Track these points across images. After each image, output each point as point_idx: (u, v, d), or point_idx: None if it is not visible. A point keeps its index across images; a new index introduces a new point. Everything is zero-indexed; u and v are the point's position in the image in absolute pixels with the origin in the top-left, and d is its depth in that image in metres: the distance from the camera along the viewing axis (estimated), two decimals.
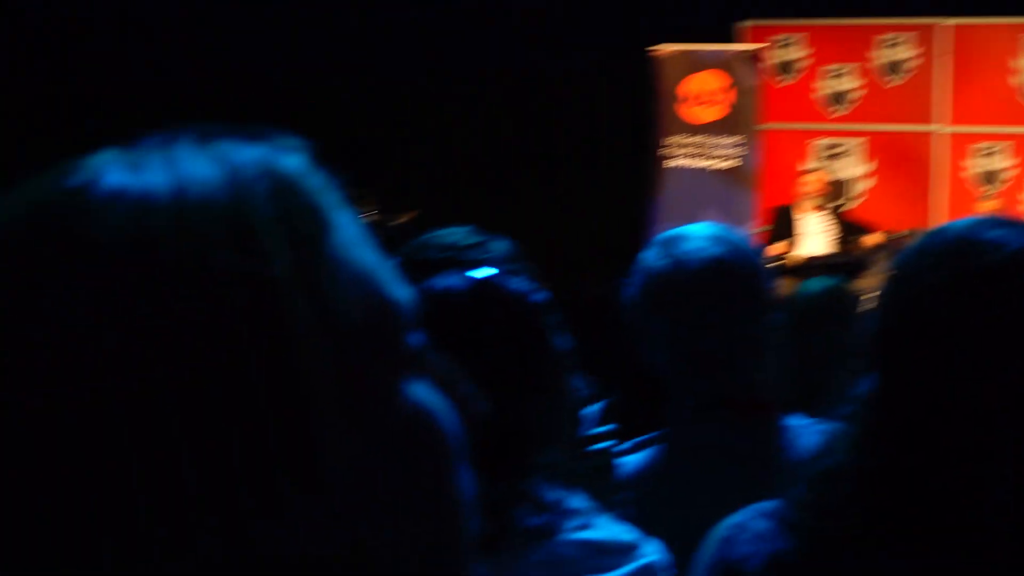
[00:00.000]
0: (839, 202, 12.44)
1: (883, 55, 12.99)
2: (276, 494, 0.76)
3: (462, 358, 1.00)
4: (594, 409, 2.28)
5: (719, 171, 11.90)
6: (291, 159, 0.86)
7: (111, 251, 0.77)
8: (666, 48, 11.70)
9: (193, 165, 0.82)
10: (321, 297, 0.80)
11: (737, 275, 2.66)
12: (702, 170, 11.88)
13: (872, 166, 13.01)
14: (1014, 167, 12.70)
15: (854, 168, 13.08)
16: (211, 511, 0.75)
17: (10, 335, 0.76)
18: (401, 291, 0.87)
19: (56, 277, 0.76)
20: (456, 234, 2.40)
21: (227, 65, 7.67)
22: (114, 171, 0.81)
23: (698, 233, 2.72)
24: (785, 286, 7.57)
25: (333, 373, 0.79)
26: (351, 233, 0.85)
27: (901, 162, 12.85)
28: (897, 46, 12.93)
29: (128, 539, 0.74)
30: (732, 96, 11.89)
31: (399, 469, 0.83)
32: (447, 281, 1.94)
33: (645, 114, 11.50)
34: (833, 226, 11.61)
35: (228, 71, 7.61)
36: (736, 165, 11.91)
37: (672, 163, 11.80)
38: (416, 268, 1.63)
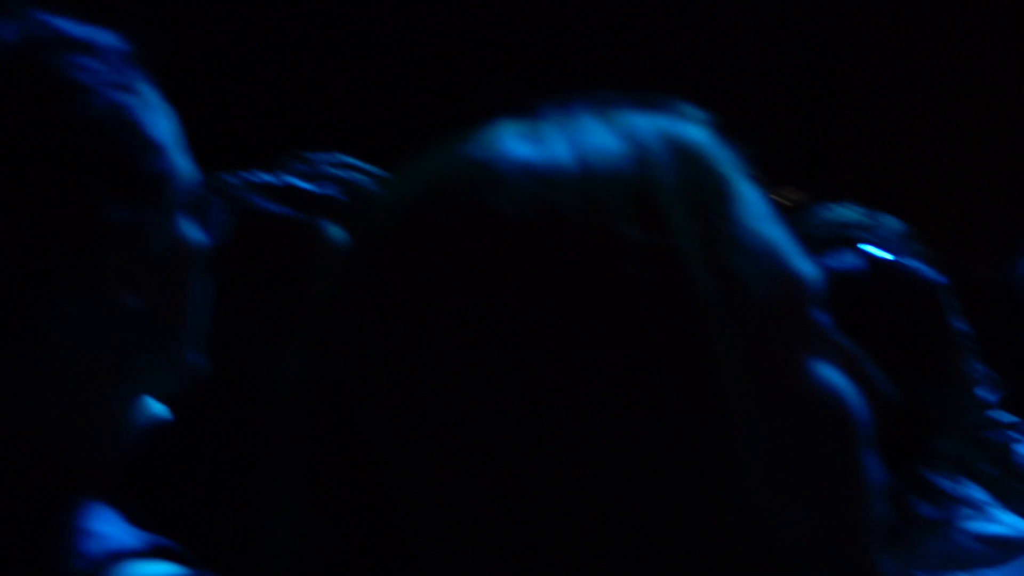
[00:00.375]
0: None
1: None
2: (671, 467, 0.75)
3: (857, 339, 0.96)
4: (991, 397, 2.19)
5: None
6: (694, 130, 0.84)
7: (517, 223, 0.76)
8: None
9: (595, 136, 0.80)
10: (726, 269, 0.78)
11: None
12: None
13: None
14: None
15: None
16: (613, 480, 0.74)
17: (425, 306, 0.76)
18: (806, 266, 0.84)
19: (462, 249, 0.77)
20: (846, 212, 2.34)
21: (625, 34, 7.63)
22: (516, 143, 0.80)
23: None
24: None
25: (739, 347, 0.76)
26: (756, 205, 0.83)
27: None
28: None
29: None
30: None
31: (806, 451, 0.80)
32: (840, 260, 1.89)
33: None
34: None
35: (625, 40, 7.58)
36: None
37: None
38: (806, 246, 1.59)
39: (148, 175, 1.25)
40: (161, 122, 1.29)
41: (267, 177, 1.89)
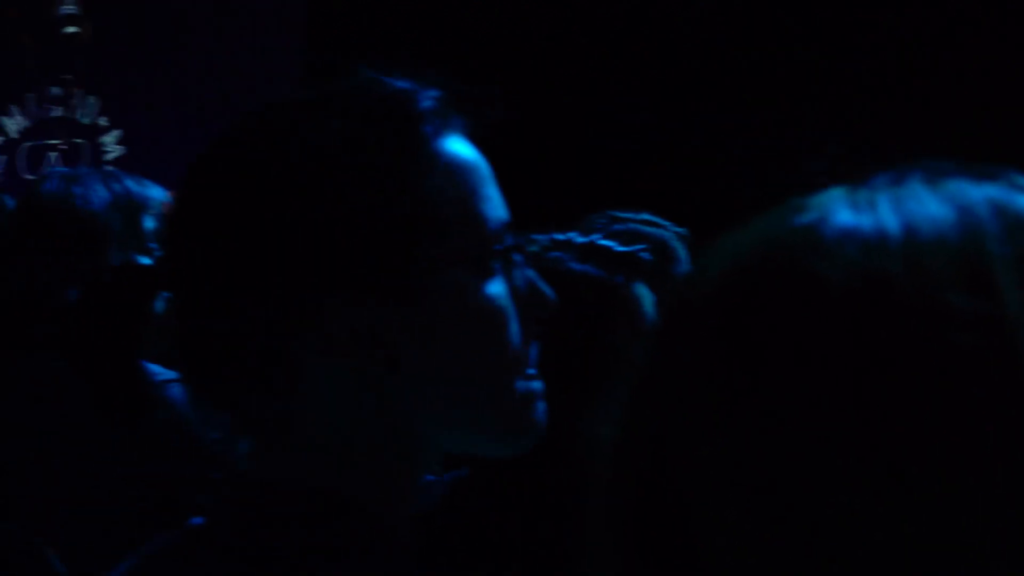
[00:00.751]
0: None
1: None
2: (999, 540, 0.72)
3: None
4: None
5: None
6: None
7: (842, 289, 0.75)
8: None
9: (923, 204, 0.80)
10: None
11: None
12: None
13: None
14: None
15: None
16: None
17: (748, 372, 0.76)
18: None
19: (786, 314, 0.76)
20: None
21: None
22: (843, 210, 0.80)
23: None
24: None
25: None
26: None
27: None
28: None
29: None
30: None
31: None
32: None
33: None
34: None
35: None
36: None
37: None
38: None
39: (426, 232, 1.25)
40: (459, 178, 1.28)
41: (573, 236, 1.90)
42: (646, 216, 2.09)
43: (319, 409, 1.25)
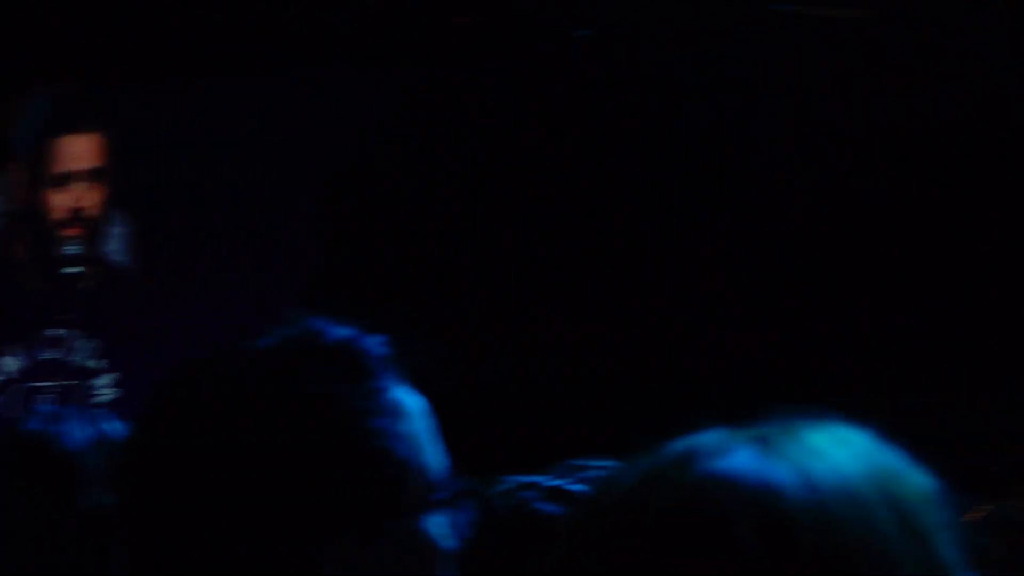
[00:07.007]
0: None
1: None
2: None
3: None
4: None
5: None
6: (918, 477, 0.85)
7: (748, 543, 0.78)
8: None
9: (826, 455, 0.82)
10: None
11: None
12: None
13: None
14: None
15: None
16: None
17: None
18: None
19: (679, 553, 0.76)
20: None
21: None
22: (747, 457, 0.82)
23: None
24: None
25: None
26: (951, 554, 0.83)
27: None
28: None
29: None
30: None
31: None
32: None
33: None
34: None
35: None
36: None
37: None
38: None
39: (382, 480, 1.27)
40: (408, 424, 1.30)
41: (540, 480, 1.93)
42: (609, 462, 2.11)
43: None
